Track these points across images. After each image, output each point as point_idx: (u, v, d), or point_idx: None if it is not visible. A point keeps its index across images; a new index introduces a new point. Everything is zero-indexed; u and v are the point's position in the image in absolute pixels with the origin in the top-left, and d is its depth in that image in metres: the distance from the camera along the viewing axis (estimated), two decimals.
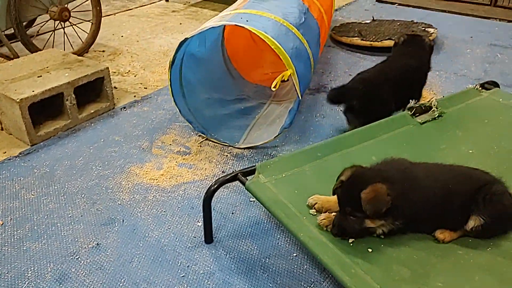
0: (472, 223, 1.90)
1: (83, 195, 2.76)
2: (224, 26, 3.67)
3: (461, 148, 2.57)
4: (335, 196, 2.04)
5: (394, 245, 1.93)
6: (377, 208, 1.80)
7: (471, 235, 1.95)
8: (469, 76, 4.17)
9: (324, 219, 2.02)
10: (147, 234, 2.48)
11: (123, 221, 2.57)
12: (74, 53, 4.11)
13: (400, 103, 3.05)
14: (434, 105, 2.83)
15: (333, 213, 2.04)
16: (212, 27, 2.90)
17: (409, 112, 2.81)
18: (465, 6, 6.09)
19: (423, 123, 2.76)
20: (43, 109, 3.36)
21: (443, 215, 1.92)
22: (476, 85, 3.13)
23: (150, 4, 6.58)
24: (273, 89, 2.91)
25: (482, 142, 2.62)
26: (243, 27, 2.81)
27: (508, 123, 2.77)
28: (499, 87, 3.17)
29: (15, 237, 2.45)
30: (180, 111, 3.23)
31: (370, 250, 1.89)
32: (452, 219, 1.93)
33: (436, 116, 2.80)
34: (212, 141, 3.26)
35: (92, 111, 3.59)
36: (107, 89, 3.66)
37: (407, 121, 2.77)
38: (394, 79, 3.05)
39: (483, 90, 3.11)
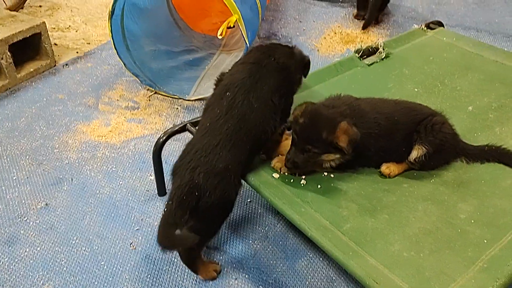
0: (415, 153, 1.96)
1: (27, 157, 2.65)
2: None
3: (407, 87, 2.61)
4: (288, 140, 2.07)
5: (343, 183, 1.98)
6: (354, 142, 1.84)
7: (415, 168, 2.02)
8: (416, 18, 4.19)
9: (277, 162, 2.03)
10: (98, 191, 2.43)
11: (72, 180, 2.50)
12: (7, 9, 3.83)
13: None
14: (380, 46, 2.85)
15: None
16: None
17: (356, 54, 2.82)
18: None
19: (371, 64, 2.78)
20: None
21: (389, 147, 1.98)
22: (421, 25, 3.17)
23: None
24: (220, 37, 2.82)
25: (427, 80, 2.67)
26: None
27: (451, 61, 2.83)
28: (444, 27, 3.22)
29: None
30: (125, 65, 3.09)
31: (319, 186, 1.93)
32: (397, 150, 1.98)
33: (383, 57, 2.82)
34: (162, 94, 3.17)
35: (31, 70, 3.39)
36: (45, 45, 3.45)
37: (355, 63, 2.78)
38: None
39: (428, 29, 3.15)
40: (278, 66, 2.03)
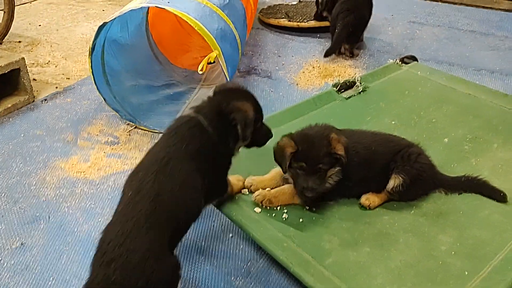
0: (392, 183, 2.00)
1: (3, 194, 2.58)
2: (148, 10, 3.55)
3: (384, 120, 2.68)
4: (269, 174, 2.10)
5: (324, 216, 1.99)
6: (347, 148, 1.92)
7: (395, 198, 2.05)
8: (391, 53, 4.33)
9: (258, 195, 2.04)
10: (76, 229, 2.37)
11: (49, 217, 2.44)
12: None
13: None
14: (357, 80, 2.93)
15: (267, 189, 2.07)
16: (133, 10, 2.79)
17: (334, 88, 2.88)
18: None
19: (348, 98, 2.85)
20: None
21: (368, 176, 2.02)
22: (396, 60, 3.27)
23: None
24: (200, 72, 2.86)
25: (404, 113, 2.74)
26: (164, 9, 2.73)
27: (426, 94, 2.92)
28: (418, 61, 3.33)
29: None
30: (105, 100, 3.09)
31: (301, 220, 1.93)
32: (376, 180, 2.03)
33: (360, 90, 2.90)
34: (142, 129, 3.16)
35: (9, 105, 3.35)
36: (24, 81, 3.42)
37: (333, 97, 2.85)
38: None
39: (403, 64, 3.25)
40: (199, 141, 1.84)
